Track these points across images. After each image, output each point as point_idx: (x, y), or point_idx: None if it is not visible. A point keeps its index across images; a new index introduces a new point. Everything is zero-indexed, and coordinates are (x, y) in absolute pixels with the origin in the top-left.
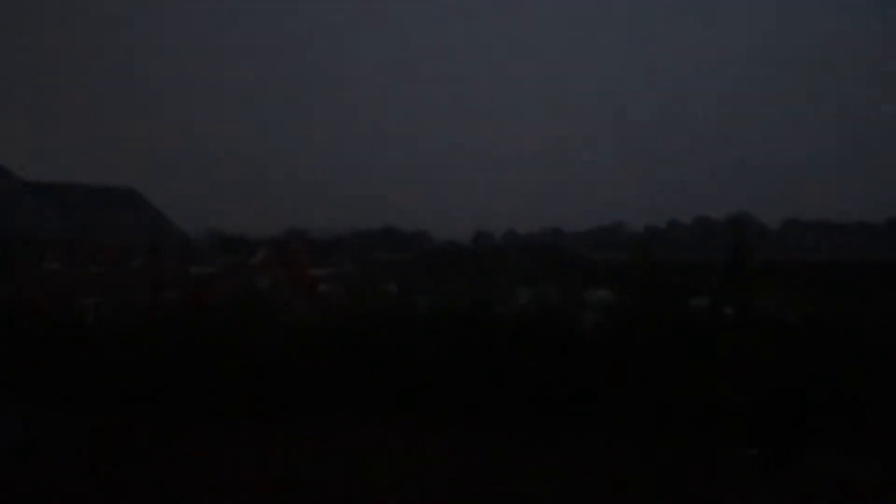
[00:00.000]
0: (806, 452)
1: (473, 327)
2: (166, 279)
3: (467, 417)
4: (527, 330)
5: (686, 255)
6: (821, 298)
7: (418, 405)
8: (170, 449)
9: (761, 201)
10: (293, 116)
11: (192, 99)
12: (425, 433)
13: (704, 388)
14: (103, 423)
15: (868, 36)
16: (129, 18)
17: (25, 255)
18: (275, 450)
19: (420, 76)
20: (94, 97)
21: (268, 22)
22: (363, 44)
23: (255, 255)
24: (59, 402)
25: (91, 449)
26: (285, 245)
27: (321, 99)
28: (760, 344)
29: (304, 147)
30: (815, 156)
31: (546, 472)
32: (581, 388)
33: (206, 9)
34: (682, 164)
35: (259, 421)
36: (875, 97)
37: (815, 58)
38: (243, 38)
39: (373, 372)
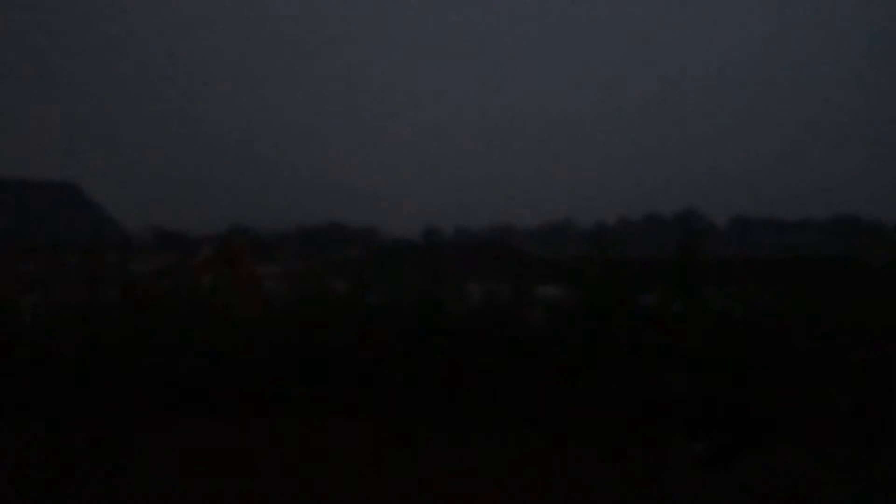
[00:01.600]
0: (753, 447)
1: (423, 326)
2: (105, 277)
3: (417, 419)
4: (478, 329)
5: (636, 251)
6: (768, 294)
7: (368, 406)
8: (108, 454)
9: (709, 198)
10: (234, 110)
11: (135, 94)
12: (374, 433)
13: (653, 385)
14: (37, 429)
15: (812, 34)
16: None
17: None
18: (217, 452)
19: (365, 67)
20: (30, 85)
21: (215, 13)
22: (307, 35)
23: (198, 252)
24: None
25: (20, 457)
26: (228, 242)
27: (262, 91)
28: (708, 339)
29: (247, 141)
30: (762, 154)
31: (494, 473)
32: (530, 388)
33: None
34: (631, 162)
35: (200, 423)
36: (819, 96)
37: (759, 57)
38: (186, 27)
39: (320, 373)
